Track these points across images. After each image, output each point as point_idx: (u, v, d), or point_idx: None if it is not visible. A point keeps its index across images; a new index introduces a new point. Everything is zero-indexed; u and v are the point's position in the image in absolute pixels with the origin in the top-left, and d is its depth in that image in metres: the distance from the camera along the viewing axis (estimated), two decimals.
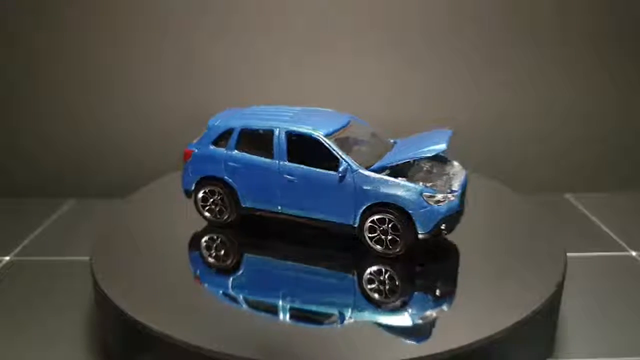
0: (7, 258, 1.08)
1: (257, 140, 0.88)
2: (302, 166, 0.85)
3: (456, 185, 0.85)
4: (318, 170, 0.85)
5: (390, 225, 0.82)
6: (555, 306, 0.81)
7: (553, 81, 1.38)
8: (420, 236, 0.82)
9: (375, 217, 0.83)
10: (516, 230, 0.96)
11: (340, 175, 0.83)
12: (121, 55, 1.34)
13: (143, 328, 0.70)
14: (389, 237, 0.83)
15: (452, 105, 1.39)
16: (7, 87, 1.35)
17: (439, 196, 0.82)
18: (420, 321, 0.72)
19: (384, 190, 0.82)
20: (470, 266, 0.84)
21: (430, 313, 0.74)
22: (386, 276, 0.81)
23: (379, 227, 0.83)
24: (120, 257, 0.87)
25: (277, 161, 0.87)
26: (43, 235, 1.17)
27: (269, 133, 0.87)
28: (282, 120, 0.88)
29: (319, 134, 0.85)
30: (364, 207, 0.83)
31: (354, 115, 0.95)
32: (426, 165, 0.91)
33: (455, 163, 0.94)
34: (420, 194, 0.81)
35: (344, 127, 0.89)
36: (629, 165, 1.43)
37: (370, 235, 0.84)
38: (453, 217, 0.84)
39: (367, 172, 0.83)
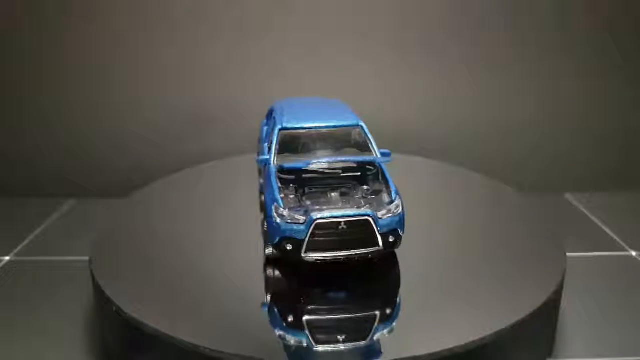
0: (7, 258, 1.08)
1: None
2: None
3: (328, 213, 0.74)
4: None
5: None
6: (555, 306, 0.81)
7: (553, 81, 1.38)
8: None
9: None
10: (516, 230, 0.96)
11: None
12: (121, 55, 1.34)
13: (143, 328, 0.70)
14: None
15: (452, 105, 1.39)
16: (7, 87, 1.35)
17: (284, 211, 0.76)
18: (419, 320, 0.72)
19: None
20: (470, 266, 0.84)
21: (430, 313, 0.74)
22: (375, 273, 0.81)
23: None
24: (120, 257, 0.87)
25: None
26: (43, 235, 1.17)
27: None
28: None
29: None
30: None
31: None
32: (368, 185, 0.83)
33: (395, 202, 0.79)
34: (273, 201, 0.78)
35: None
36: (629, 165, 1.43)
37: None
38: (297, 241, 0.75)
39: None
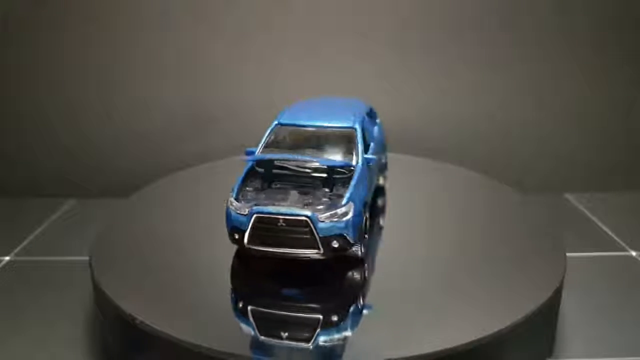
0: (7, 258, 1.08)
1: None
2: None
3: (269, 208, 0.76)
4: None
5: None
6: (555, 306, 0.81)
7: (553, 81, 1.38)
8: None
9: None
10: (516, 230, 0.96)
11: None
12: (121, 55, 1.34)
13: (143, 328, 0.70)
14: None
15: (452, 104, 1.39)
16: (7, 87, 1.35)
17: (233, 201, 0.79)
18: (418, 320, 0.72)
19: None
20: (470, 266, 0.84)
21: (430, 312, 0.74)
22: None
23: None
24: (120, 257, 0.87)
25: None
26: (43, 235, 1.17)
27: None
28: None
29: None
30: None
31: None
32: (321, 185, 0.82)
33: (342, 207, 0.77)
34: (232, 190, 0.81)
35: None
36: (629, 165, 1.43)
37: None
38: (242, 231, 0.77)
39: None
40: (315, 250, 0.76)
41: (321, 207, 0.77)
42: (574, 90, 1.39)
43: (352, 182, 0.80)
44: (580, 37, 1.35)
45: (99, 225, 0.96)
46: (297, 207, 0.76)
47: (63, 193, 1.36)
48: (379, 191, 1.05)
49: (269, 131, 0.89)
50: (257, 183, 0.83)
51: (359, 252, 0.82)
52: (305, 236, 0.75)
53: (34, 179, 1.39)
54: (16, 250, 1.11)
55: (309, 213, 0.75)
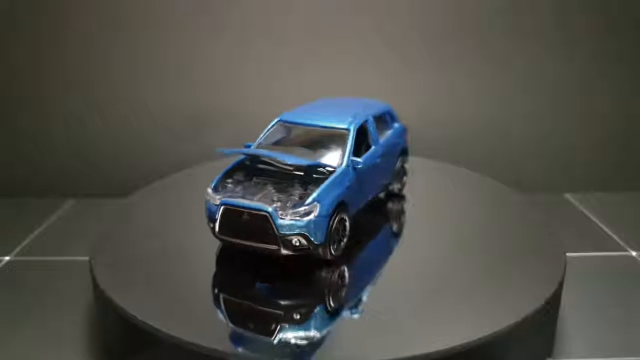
0: (7, 258, 1.08)
1: None
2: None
3: (235, 201, 0.79)
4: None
5: None
6: (555, 306, 0.81)
7: (553, 81, 1.38)
8: None
9: None
10: (516, 230, 0.96)
11: None
12: (121, 55, 1.34)
13: (143, 328, 0.70)
14: None
15: (452, 104, 1.39)
16: (7, 87, 1.35)
17: (210, 192, 0.83)
18: (418, 320, 0.72)
19: None
20: (470, 266, 0.84)
21: (429, 312, 0.74)
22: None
23: None
24: (121, 257, 0.87)
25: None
26: (43, 235, 1.17)
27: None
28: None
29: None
30: None
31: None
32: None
33: (305, 206, 0.77)
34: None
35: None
36: (629, 165, 1.43)
37: None
38: (214, 220, 0.81)
39: None
40: (275, 246, 0.77)
41: (288, 204, 0.78)
42: (574, 90, 1.39)
43: (325, 183, 0.80)
44: (580, 37, 1.35)
45: (99, 225, 0.97)
46: (263, 202, 0.78)
47: (63, 193, 1.36)
48: (392, 197, 1.04)
49: (269, 127, 0.91)
50: (241, 176, 0.85)
51: (328, 255, 0.80)
52: (266, 231, 0.77)
53: (34, 179, 1.39)
54: (16, 250, 1.11)
55: (269, 209, 0.76)
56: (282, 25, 1.33)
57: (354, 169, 0.85)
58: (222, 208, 0.79)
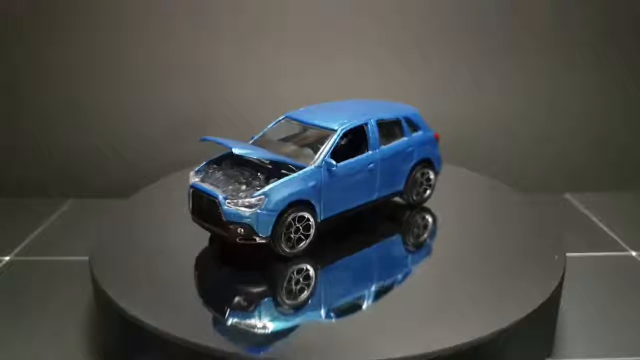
0: (7, 258, 1.08)
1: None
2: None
3: (200, 185, 0.84)
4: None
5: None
6: (555, 306, 0.81)
7: (553, 81, 1.38)
8: None
9: None
10: (516, 230, 0.96)
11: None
12: (121, 55, 1.34)
13: (143, 328, 0.70)
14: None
15: (451, 104, 1.39)
16: (7, 87, 1.35)
17: (191, 174, 0.88)
18: (418, 320, 0.72)
19: None
20: (470, 266, 0.84)
21: (429, 312, 0.74)
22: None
23: None
24: (120, 257, 0.87)
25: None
26: (43, 235, 1.17)
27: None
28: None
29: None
30: None
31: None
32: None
33: (250, 199, 0.79)
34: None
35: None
36: (629, 165, 1.43)
37: None
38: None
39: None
40: (224, 233, 0.81)
41: (240, 194, 0.80)
42: (574, 90, 1.39)
43: (281, 180, 0.81)
44: (580, 37, 1.35)
45: (99, 225, 0.97)
46: (220, 189, 0.82)
47: (63, 193, 1.36)
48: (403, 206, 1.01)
49: (274, 122, 0.94)
50: (227, 164, 0.89)
51: (280, 250, 0.82)
52: (218, 217, 0.80)
53: (34, 179, 1.39)
54: (16, 251, 1.11)
55: (219, 196, 0.80)
56: (282, 25, 1.33)
57: (329, 170, 0.84)
58: (191, 190, 0.85)
